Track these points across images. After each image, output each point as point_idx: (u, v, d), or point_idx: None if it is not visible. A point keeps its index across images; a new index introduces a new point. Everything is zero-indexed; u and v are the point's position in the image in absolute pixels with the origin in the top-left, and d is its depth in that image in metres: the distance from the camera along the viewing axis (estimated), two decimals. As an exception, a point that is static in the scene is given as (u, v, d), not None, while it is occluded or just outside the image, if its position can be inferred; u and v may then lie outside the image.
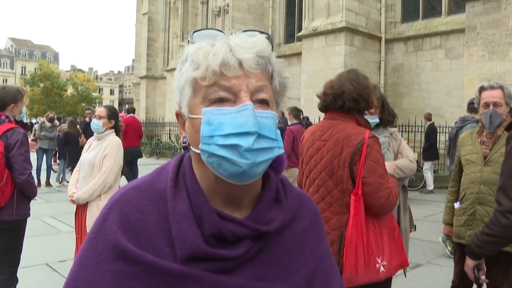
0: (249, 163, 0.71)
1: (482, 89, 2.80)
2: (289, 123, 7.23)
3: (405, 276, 2.48)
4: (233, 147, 0.70)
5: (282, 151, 0.76)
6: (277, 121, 0.78)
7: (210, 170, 0.74)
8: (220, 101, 0.73)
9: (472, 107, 5.42)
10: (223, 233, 0.74)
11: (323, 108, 2.35)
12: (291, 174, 6.33)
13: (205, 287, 0.71)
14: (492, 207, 2.68)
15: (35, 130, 12.31)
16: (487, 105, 2.74)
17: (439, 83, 13.44)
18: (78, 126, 10.76)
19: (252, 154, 0.71)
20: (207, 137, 0.72)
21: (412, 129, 12.38)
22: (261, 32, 0.80)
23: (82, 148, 9.91)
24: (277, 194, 0.83)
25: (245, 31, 0.79)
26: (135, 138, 9.47)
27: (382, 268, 2.10)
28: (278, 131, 0.76)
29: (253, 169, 0.72)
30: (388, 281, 2.27)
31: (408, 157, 2.77)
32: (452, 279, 3.04)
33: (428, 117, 10.85)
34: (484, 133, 2.81)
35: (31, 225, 4.61)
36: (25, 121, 3.45)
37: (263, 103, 0.75)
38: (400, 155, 2.78)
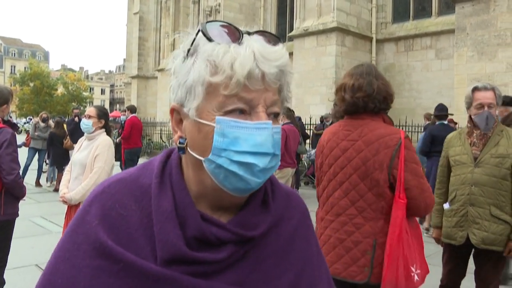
0: (259, 182, 0.70)
1: (475, 89, 2.78)
2: (281, 122, 7.26)
3: None
4: (248, 165, 0.68)
5: (279, 163, 0.75)
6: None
7: (209, 178, 0.71)
8: (237, 112, 0.69)
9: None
10: (206, 236, 0.71)
11: (353, 112, 2.14)
12: (284, 174, 6.33)
13: None
14: (484, 208, 2.70)
15: (26, 130, 12.17)
16: (482, 106, 2.71)
17: (429, 83, 13.54)
18: (65, 127, 10.64)
19: (263, 173, 0.70)
20: (219, 149, 0.68)
21: (403, 129, 12.44)
22: (275, 36, 0.75)
23: (66, 149, 9.77)
24: (265, 196, 0.80)
25: (258, 31, 0.74)
26: (138, 138, 9.45)
27: (416, 277, 1.99)
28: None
29: (259, 185, 0.72)
30: None
31: None
32: (441, 278, 3.05)
33: (428, 116, 10.92)
34: (475, 134, 2.80)
35: (21, 226, 4.57)
36: (14, 121, 3.44)
37: (275, 116, 0.74)
38: None
